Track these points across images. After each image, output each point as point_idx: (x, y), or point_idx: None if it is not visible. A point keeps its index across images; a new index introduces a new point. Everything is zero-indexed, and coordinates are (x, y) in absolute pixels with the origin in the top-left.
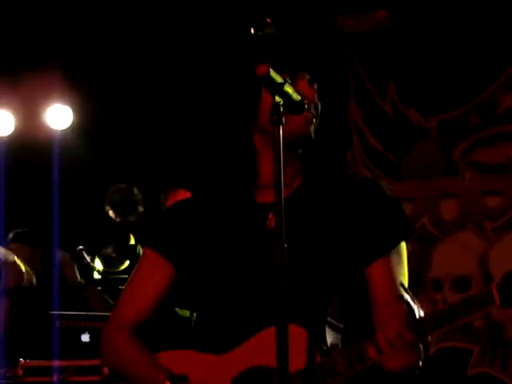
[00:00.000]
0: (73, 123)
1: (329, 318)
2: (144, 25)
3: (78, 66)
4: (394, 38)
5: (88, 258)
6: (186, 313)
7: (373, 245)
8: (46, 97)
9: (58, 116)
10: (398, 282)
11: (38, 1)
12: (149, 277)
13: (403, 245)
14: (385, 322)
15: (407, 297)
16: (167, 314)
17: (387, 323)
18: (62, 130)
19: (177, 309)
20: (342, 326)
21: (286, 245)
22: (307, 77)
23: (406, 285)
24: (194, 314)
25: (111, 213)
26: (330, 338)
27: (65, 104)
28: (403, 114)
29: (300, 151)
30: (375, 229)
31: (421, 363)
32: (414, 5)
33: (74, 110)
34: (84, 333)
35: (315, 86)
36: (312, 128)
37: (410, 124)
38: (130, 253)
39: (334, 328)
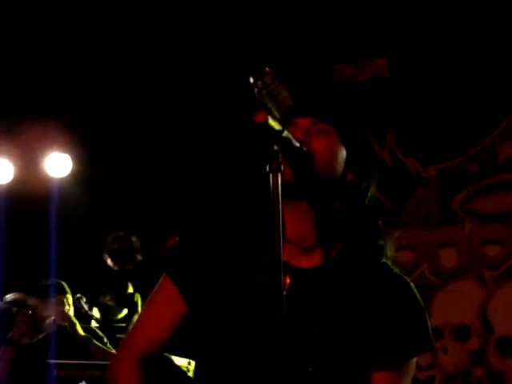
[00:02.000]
0: (72, 171)
1: None
2: (140, 73)
3: (76, 114)
4: (392, 86)
5: (86, 307)
6: (183, 361)
7: (387, 354)
8: (44, 145)
9: (57, 164)
10: None
11: (35, 50)
12: (163, 308)
13: (415, 359)
14: None
15: None
16: (162, 361)
17: None
18: (61, 178)
19: (173, 357)
20: None
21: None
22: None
23: None
24: (192, 364)
25: (109, 261)
26: None
27: (63, 152)
28: (402, 163)
29: (309, 200)
30: (395, 337)
31: None
32: (413, 54)
33: (72, 158)
34: (81, 382)
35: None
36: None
37: (409, 172)
38: (128, 301)
39: None
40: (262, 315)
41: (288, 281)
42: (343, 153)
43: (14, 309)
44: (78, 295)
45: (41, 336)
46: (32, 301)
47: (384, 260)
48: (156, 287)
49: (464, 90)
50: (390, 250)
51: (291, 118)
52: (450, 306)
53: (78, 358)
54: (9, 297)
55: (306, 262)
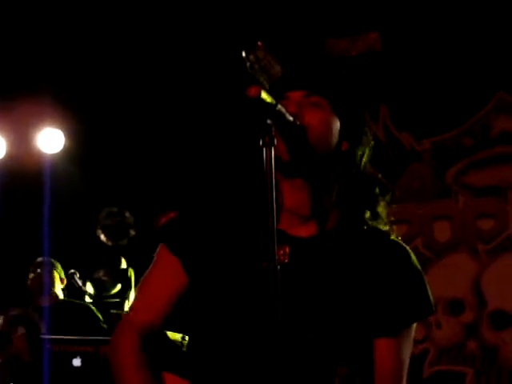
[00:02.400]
0: (64, 147)
1: None
2: (135, 48)
3: (69, 90)
4: (385, 60)
5: (79, 282)
6: (177, 336)
7: (388, 319)
8: (37, 121)
9: (50, 140)
10: (403, 364)
11: (27, 26)
12: (164, 280)
13: (414, 324)
14: None
15: None
16: (156, 336)
17: None
18: (54, 154)
19: (168, 332)
20: None
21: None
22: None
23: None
24: (186, 339)
25: (103, 236)
26: None
27: (56, 128)
28: (395, 137)
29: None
30: (394, 303)
31: None
32: (405, 27)
33: (65, 134)
34: (75, 357)
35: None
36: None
37: (403, 147)
38: (122, 276)
39: None
40: (260, 286)
41: (287, 250)
42: (337, 124)
43: (21, 328)
44: (72, 271)
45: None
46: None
47: (382, 226)
48: (154, 260)
49: (457, 63)
50: (384, 215)
51: (283, 92)
52: (443, 279)
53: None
54: None
55: (305, 231)
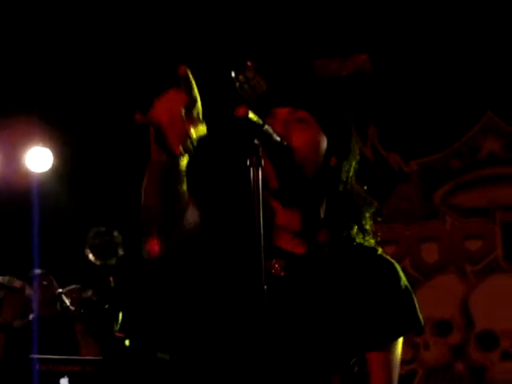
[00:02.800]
0: (53, 166)
1: None
2: (120, 67)
3: (57, 109)
4: (375, 81)
5: (68, 302)
6: (166, 356)
7: (376, 333)
8: (25, 140)
9: (38, 159)
10: (392, 378)
11: (14, 46)
12: None
13: (401, 339)
14: None
15: None
16: (148, 359)
17: None
18: (42, 173)
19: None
20: None
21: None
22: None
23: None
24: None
25: (91, 256)
26: None
27: (44, 147)
28: (383, 158)
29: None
30: (382, 318)
31: None
32: (395, 49)
33: (53, 153)
34: (63, 377)
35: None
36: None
37: (390, 167)
38: (111, 296)
39: None
40: (249, 302)
41: (283, 264)
42: (324, 142)
43: (1, 293)
44: (60, 290)
45: (31, 317)
46: (18, 283)
47: (369, 242)
48: None
49: (445, 85)
50: (371, 230)
51: (270, 109)
52: (431, 300)
53: (63, 340)
54: None
55: (300, 248)
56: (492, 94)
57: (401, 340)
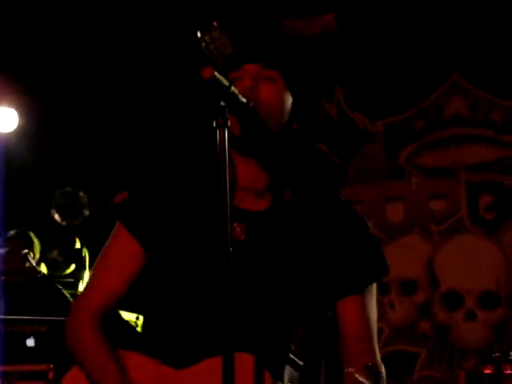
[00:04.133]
0: (19, 126)
1: (290, 355)
2: (91, 26)
3: (22, 68)
4: (340, 42)
5: (33, 262)
6: (132, 316)
7: (349, 280)
8: None
9: (4, 119)
10: (370, 321)
11: None
12: (121, 259)
13: (375, 285)
14: (355, 359)
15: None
16: (110, 316)
17: (357, 360)
18: (8, 133)
19: (121, 312)
20: (302, 363)
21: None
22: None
23: (376, 323)
24: (140, 319)
25: (57, 216)
26: (287, 375)
27: (10, 107)
28: (349, 118)
29: (258, 154)
30: (354, 265)
31: None
32: (360, 9)
33: (19, 113)
34: (29, 337)
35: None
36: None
37: (356, 128)
38: (76, 256)
39: (293, 365)
40: (215, 263)
41: (243, 227)
42: (289, 100)
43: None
44: (25, 251)
45: None
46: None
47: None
48: (110, 239)
49: (411, 45)
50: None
51: (240, 64)
52: (396, 260)
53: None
54: None
55: (260, 205)
56: (459, 54)
57: (375, 287)
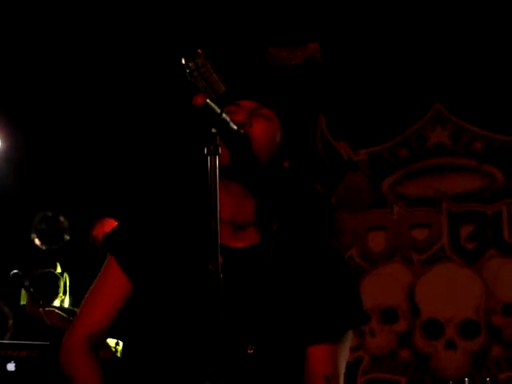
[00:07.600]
0: (0, 150)
1: None
2: (74, 51)
3: (3, 94)
4: (324, 70)
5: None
6: (112, 342)
7: (324, 326)
8: None
9: None
10: (340, 364)
11: None
12: (110, 290)
13: (350, 331)
14: None
15: None
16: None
17: None
18: None
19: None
20: None
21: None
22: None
23: (344, 366)
24: (120, 344)
25: (37, 240)
26: None
27: None
28: (333, 146)
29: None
30: (332, 310)
31: None
32: (345, 39)
33: (1, 137)
34: (10, 362)
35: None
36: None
37: (340, 156)
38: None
39: None
40: (202, 298)
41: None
42: (281, 138)
43: None
44: (15, 271)
45: None
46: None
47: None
48: (102, 270)
49: (394, 74)
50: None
51: (235, 100)
52: (377, 288)
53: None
54: None
55: (240, 242)
56: (441, 85)
57: (350, 335)
